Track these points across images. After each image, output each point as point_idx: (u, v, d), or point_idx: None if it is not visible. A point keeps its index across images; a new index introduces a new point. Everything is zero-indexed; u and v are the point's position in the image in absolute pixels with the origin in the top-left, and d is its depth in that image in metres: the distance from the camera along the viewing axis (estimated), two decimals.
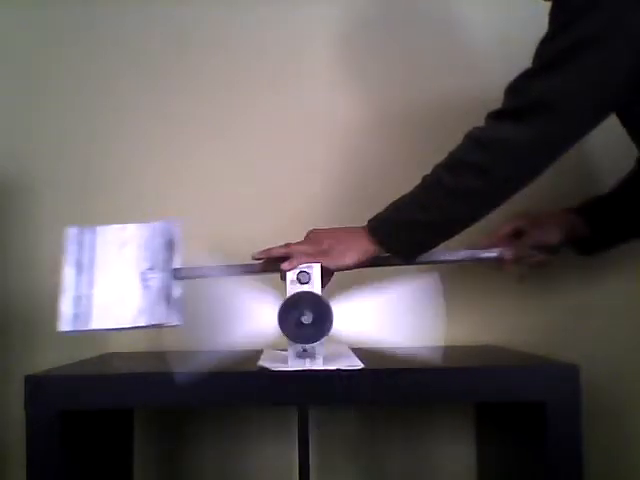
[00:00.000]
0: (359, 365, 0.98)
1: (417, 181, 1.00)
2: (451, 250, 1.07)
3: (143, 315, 1.00)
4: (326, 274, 1.01)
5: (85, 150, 1.45)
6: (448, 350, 1.31)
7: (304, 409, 1.32)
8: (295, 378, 0.95)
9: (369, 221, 1.02)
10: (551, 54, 0.90)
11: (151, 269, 1.02)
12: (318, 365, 0.96)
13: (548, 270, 1.20)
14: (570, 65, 0.88)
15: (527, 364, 1.05)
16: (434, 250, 1.03)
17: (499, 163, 0.93)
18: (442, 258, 1.07)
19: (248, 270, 1.06)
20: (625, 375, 1.38)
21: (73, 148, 1.45)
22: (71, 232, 1.05)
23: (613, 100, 0.92)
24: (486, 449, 1.36)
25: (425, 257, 1.04)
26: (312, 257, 0.99)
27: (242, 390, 0.97)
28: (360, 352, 1.11)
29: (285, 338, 0.96)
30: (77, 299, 1.01)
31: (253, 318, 0.96)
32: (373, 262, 1.03)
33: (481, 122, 0.97)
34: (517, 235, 1.14)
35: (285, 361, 0.98)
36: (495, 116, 0.95)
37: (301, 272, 0.98)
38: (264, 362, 1.02)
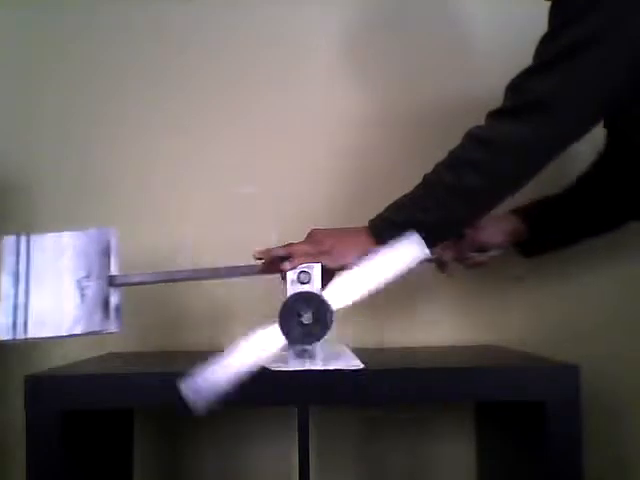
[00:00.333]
0: (359, 365, 0.98)
1: (418, 180, 1.00)
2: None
3: (79, 323, 0.99)
4: (327, 274, 1.01)
5: (85, 150, 1.45)
6: (448, 350, 1.32)
7: (304, 409, 1.32)
8: (295, 378, 0.95)
9: (370, 221, 1.02)
10: (550, 53, 0.90)
11: (87, 277, 1.02)
12: (318, 365, 0.96)
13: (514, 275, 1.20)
14: (569, 64, 0.88)
15: (527, 364, 1.05)
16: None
17: (499, 161, 0.93)
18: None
19: (249, 271, 1.06)
20: (625, 375, 1.38)
21: (73, 148, 1.45)
22: (7, 241, 1.04)
23: (612, 100, 0.92)
24: (486, 449, 1.36)
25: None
26: (313, 257, 0.99)
27: (242, 390, 0.97)
28: (361, 352, 1.11)
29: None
30: (14, 308, 1.00)
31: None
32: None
33: (481, 121, 0.97)
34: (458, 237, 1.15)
35: (285, 361, 0.98)
36: (495, 115, 0.95)
37: (301, 272, 0.98)
38: (264, 361, 1.02)
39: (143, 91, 1.45)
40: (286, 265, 0.98)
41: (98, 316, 1.00)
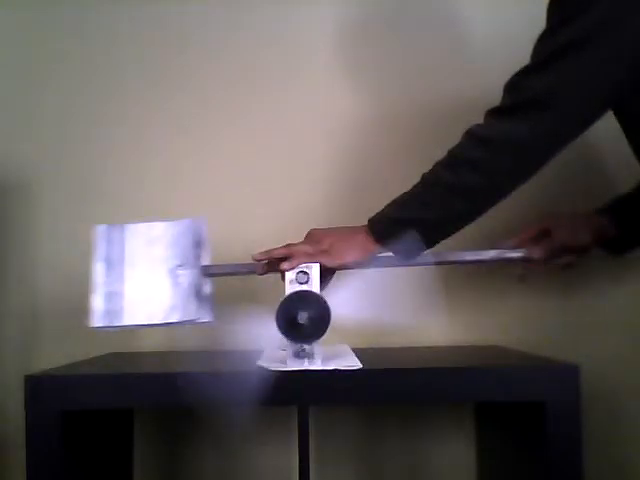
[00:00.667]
0: (358, 365, 0.98)
1: (417, 180, 1.00)
2: (478, 250, 1.06)
3: (175, 312, 1.01)
4: (327, 273, 1.01)
5: (85, 150, 1.45)
6: (448, 350, 1.32)
7: (304, 409, 1.32)
8: (295, 378, 0.95)
9: (369, 220, 1.02)
10: (548, 51, 0.90)
11: (180, 266, 1.03)
12: (317, 365, 0.96)
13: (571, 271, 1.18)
14: (567, 62, 0.88)
15: (527, 364, 1.05)
16: (462, 250, 1.05)
17: (498, 159, 0.93)
18: (468, 258, 1.07)
19: (249, 271, 1.06)
20: (625, 375, 1.38)
21: (73, 148, 1.45)
22: (100, 229, 1.06)
23: (610, 98, 0.92)
24: (486, 449, 1.36)
25: (450, 257, 1.05)
26: (312, 257, 0.99)
27: (242, 390, 0.97)
28: (360, 352, 1.11)
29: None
30: (108, 295, 1.01)
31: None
32: (374, 261, 1.03)
33: (481, 120, 0.97)
34: (544, 236, 1.13)
35: (284, 361, 0.98)
36: (493, 113, 0.95)
37: (300, 272, 0.98)
38: (264, 362, 1.02)
39: (143, 91, 1.45)
40: (284, 265, 0.98)
41: (193, 305, 1.01)
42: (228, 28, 1.45)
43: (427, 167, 1.00)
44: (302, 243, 1.03)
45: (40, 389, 0.96)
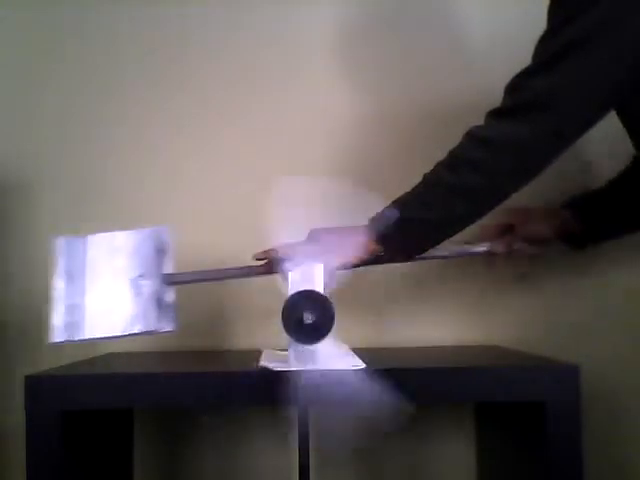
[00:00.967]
0: (360, 365, 0.98)
1: (417, 180, 1.00)
2: (441, 246, 1.07)
3: (136, 322, 1.00)
4: (328, 273, 1.01)
5: (85, 151, 1.45)
6: (448, 350, 1.32)
7: (304, 409, 1.32)
8: (294, 378, 0.95)
9: (370, 219, 1.02)
10: (549, 52, 0.90)
11: (142, 276, 1.02)
12: (319, 365, 0.96)
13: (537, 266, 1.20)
14: (569, 63, 0.88)
15: (527, 364, 1.05)
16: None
17: (499, 160, 0.93)
18: (432, 254, 1.07)
19: (250, 271, 1.06)
20: (625, 375, 1.38)
21: (73, 148, 1.45)
22: (60, 242, 1.04)
23: (611, 98, 0.92)
24: (486, 449, 1.36)
25: (386, 259, 1.05)
26: (314, 256, 0.99)
27: (242, 390, 0.97)
28: (361, 352, 1.11)
29: (285, 338, 0.96)
30: (69, 308, 1.00)
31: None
32: (375, 260, 1.03)
33: (481, 121, 0.97)
34: (507, 230, 1.15)
35: (286, 361, 0.98)
36: (494, 114, 0.95)
37: (303, 272, 0.98)
38: (264, 362, 1.02)
39: (143, 91, 1.45)
40: (287, 265, 0.98)
41: (154, 315, 1.00)
42: (228, 28, 1.45)
43: (427, 167, 1.00)
44: (303, 243, 1.03)
45: (40, 389, 0.96)
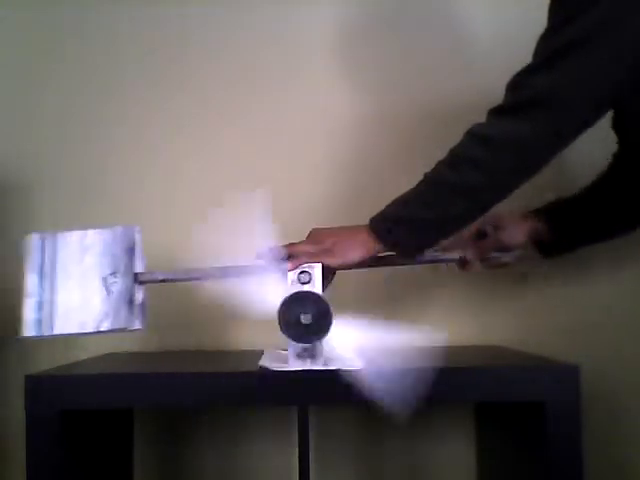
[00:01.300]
0: (360, 365, 0.98)
1: (417, 180, 1.00)
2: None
3: (106, 320, 1.00)
4: (328, 273, 1.01)
5: (85, 150, 1.45)
6: (448, 350, 1.32)
7: (304, 409, 1.32)
8: (295, 378, 0.95)
9: (371, 219, 1.02)
10: (550, 50, 0.90)
11: (113, 274, 1.02)
12: (318, 365, 0.96)
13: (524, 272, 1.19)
14: (569, 61, 0.88)
15: (527, 364, 1.05)
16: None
17: (500, 158, 0.93)
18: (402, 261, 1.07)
19: (250, 271, 1.06)
20: (625, 375, 1.38)
21: (73, 148, 1.45)
22: (32, 239, 1.05)
23: (611, 97, 0.92)
24: (486, 449, 1.36)
25: (388, 260, 1.05)
26: (314, 256, 0.99)
27: (242, 390, 0.97)
28: (360, 352, 1.10)
29: (286, 338, 0.96)
30: (40, 305, 1.01)
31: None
32: (376, 260, 1.03)
33: (481, 120, 0.97)
34: (480, 236, 1.15)
35: (286, 361, 0.98)
36: (496, 112, 0.95)
37: (302, 272, 0.98)
38: (264, 362, 1.02)
39: (143, 91, 1.45)
40: (287, 265, 0.98)
41: (124, 313, 1.00)
42: (228, 28, 1.45)
43: (427, 166, 1.00)
44: (303, 243, 1.03)
45: (40, 389, 0.96)
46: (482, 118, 0.97)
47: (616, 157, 1.18)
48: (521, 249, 1.16)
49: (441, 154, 0.99)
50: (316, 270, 0.98)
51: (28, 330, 1.00)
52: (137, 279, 1.02)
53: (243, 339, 1.40)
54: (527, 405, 1.00)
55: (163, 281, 1.05)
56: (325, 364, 0.96)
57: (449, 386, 0.96)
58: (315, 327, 0.94)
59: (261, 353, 1.14)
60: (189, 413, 1.43)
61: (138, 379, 0.98)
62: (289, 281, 0.98)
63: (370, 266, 1.04)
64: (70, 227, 1.42)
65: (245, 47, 1.45)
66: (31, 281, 1.03)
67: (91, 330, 1.00)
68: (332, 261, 1.00)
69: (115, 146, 1.45)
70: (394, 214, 1.00)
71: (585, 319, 1.39)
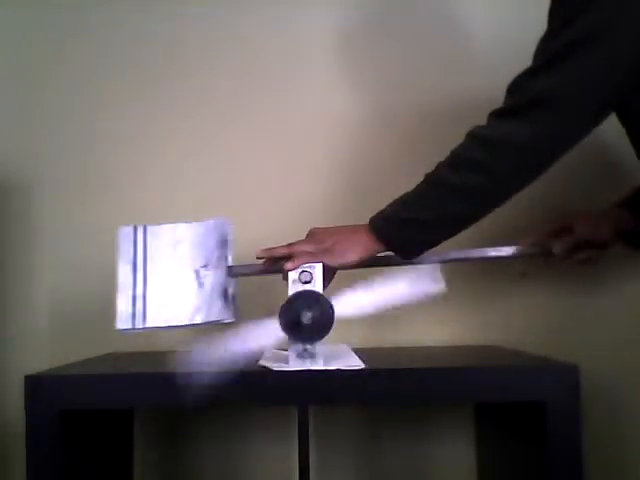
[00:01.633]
0: (359, 365, 0.98)
1: (417, 180, 1.00)
2: (496, 247, 1.07)
3: (199, 313, 1.01)
4: (328, 273, 1.01)
5: (85, 150, 1.45)
6: (448, 350, 1.32)
7: (304, 409, 1.32)
8: (295, 378, 0.95)
9: (371, 219, 1.02)
10: (551, 52, 0.90)
11: (205, 267, 1.03)
12: (319, 365, 0.96)
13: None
14: (570, 63, 0.88)
15: (527, 364, 1.05)
16: (481, 247, 1.05)
17: (501, 161, 0.93)
18: (487, 255, 1.07)
19: (251, 271, 1.06)
20: (625, 375, 1.38)
21: (73, 148, 1.45)
22: (124, 231, 1.05)
23: (613, 98, 0.92)
24: (486, 449, 1.36)
25: (465, 254, 1.06)
26: (314, 256, 0.99)
27: (242, 390, 0.97)
28: (361, 352, 1.11)
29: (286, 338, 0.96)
30: (133, 297, 1.01)
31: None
32: (376, 260, 1.03)
33: (481, 122, 0.97)
34: (565, 231, 1.13)
35: (286, 361, 0.98)
36: (497, 114, 0.95)
37: (303, 272, 0.98)
38: (265, 362, 1.02)
39: (143, 91, 1.45)
40: (288, 265, 0.98)
41: (217, 306, 1.01)
42: (228, 28, 1.45)
43: (427, 166, 1.00)
44: (303, 242, 1.03)
45: (40, 389, 0.96)
46: (482, 118, 0.97)
47: None
48: (609, 245, 1.14)
49: (441, 154, 0.99)
50: (317, 270, 0.98)
51: (122, 323, 1.01)
52: (229, 272, 1.02)
53: (245, 339, 1.39)
54: (527, 405, 1.00)
55: (255, 274, 1.05)
56: (325, 364, 0.96)
57: (449, 386, 0.96)
58: (316, 327, 0.94)
59: (262, 353, 1.14)
60: (189, 413, 1.43)
61: (138, 379, 0.98)
62: (290, 281, 0.98)
63: (369, 266, 1.04)
64: (70, 227, 1.43)
65: (245, 47, 1.45)
66: (124, 273, 1.02)
67: (184, 323, 1.01)
68: (332, 261, 1.00)
69: (115, 146, 1.45)
70: (394, 214, 1.00)
71: (585, 319, 1.39)
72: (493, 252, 1.07)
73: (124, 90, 1.45)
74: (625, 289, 1.38)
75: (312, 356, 0.96)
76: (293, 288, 0.97)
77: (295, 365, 0.96)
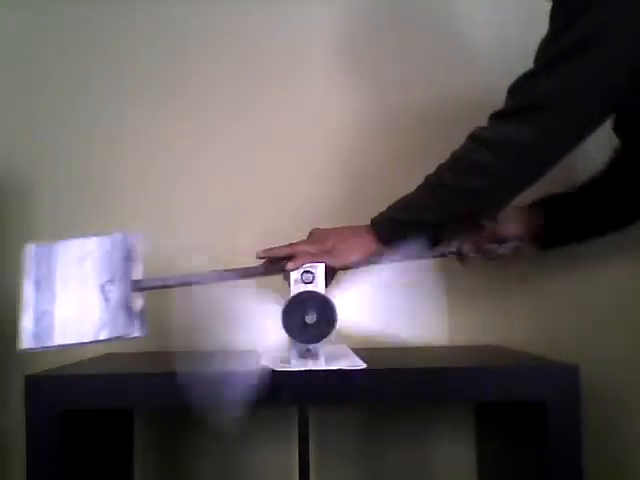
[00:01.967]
0: (361, 365, 0.98)
1: (417, 181, 1.00)
2: None
3: (104, 328, 0.99)
4: (330, 273, 1.01)
5: (85, 150, 1.45)
6: (448, 350, 1.32)
7: (304, 409, 1.32)
8: (296, 378, 0.95)
9: (372, 219, 1.02)
10: (552, 54, 0.90)
11: (110, 282, 1.02)
12: (320, 365, 0.96)
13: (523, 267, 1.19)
14: (571, 64, 0.88)
15: (527, 364, 1.05)
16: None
17: (502, 163, 0.93)
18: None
19: (251, 271, 1.06)
20: (625, 375, 1.38)
21: (73, 148, 1.45)
22: (29, 249, 1.04)
23: (614, 100, 0.92)
24: (486, 449, 1.36)
25: (387, 258, 1.04)
26: (316, 256, 0.99)
27: (242, 390, 0.97)
28: (361, 352, 1.11)
29: (287, 338, 0.96)
30: (38, 315, 1.00)
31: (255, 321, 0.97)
32: (376, 260, 1.03)
33: (481, 122, 0.97)
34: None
35: (287, 361, 0.98)
36: (498, 116, 0.95)
37: (305, 272, 0.98)
38: (266, 362, 1.02)
39: (143, 91, 1.45)
40: (289, 265, 0.98)
41: (122, 321, 0.99)
42: (228, 28, 1.45)
43: (427, 166, 1.00)
44: (304, 243, 1.03)
45: (40, 389, 0.96)
46: (482, 118, 0.97)
47: (616, 155, 1.19)
48: (517, 241, 1.16)
49: (441, 154, 0.99)
50: (319, 270, 0.98)
51: (26, 342, 0.99)
52: (135, 286, 1.02)
53: (243, 339, 1.39)
54: (527, 405, 1.00)
55: (162, 287, 1.04)
56: (327, 364, 0.96)
57: (449, 386, 0.96)
58: (319, 327, 0.94)
59: (263, 353, 1.14)
60: (189, 413, 1.43)
61: (138, 379, 0.98)
62: (292, 281, 0.98)
63: (371, 265, 1.04)
64: (70, 227, 1.43)
65: (245, 47, 1.45)
66: (28, 292, 1.01)
67: (90, 340, 0.99)
68: (333, 261, 1.00)
69: (115, 146, 1.45)
70: (395, 216, 1.00)
71: (585, 319, 1.39)
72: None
73: (124, 90, 1.45)
74: (625, 289, 1.38)
75: (314, 356, 0.96)
76: (295, 288, 0.97)
77: (297, 365, 0.96)
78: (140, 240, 1.04)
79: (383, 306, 1.39)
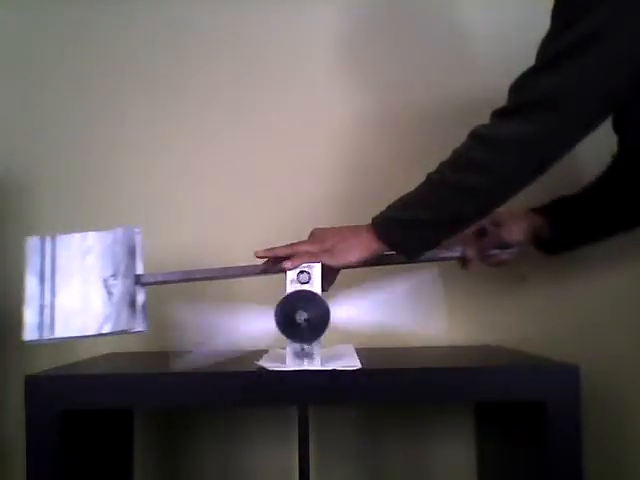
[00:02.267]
0: (357, 365, 0.98)
1: (418, 180, 1.00)
2: None
3: (107, 322, 1.00)
4: (331, 272, 1.01)
5: (85, 150, 1.45)
6: (448, 350, 1.32)
7: (304, 409, 1.32)
8: (295, 378, 0.95)
9: (373, 219, 1.02)
10: (554, 52, 0.90)
11: (113, 276, 1.02)
12: (316, 365, 0.96)
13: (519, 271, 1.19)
14: (573, 63, 0.88)
15: (527, 364, 1.05)
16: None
17: (503, 160, 0.93)
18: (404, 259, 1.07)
19: (251, 271, 1.06)
20: (625, 375, 1.38)
21: (73, 149, 1.45)
22: (32, 242, 1.05)
23: (616, 98, 0.92)
24: (486, 449, 1.36)
25: (388, 258, 1.05)
26: (316, 256, 0.99)
27: (242, 390, 0.97)
28: (359, 352, 1.11)
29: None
30: (41, 308, 1.01)
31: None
32: (377, 260, 1.03)
33: (481, 121, 0.97)
34: (480, 234, 1.14)
35: (283, 361, 0.98)
36: (499, 114, 0.95)
37: (301, 272, 0.98)
38: (262, 362, 1.02)
39: (143, 91, 1.45)
40: (287, 264, 0.98)
41: (125, 315, 1.00)
42: (228, 28, 1.45)
43: (427, 166, 1.00)
44: (305, 242, 1.03)
45: (40, 389, 0.96)
46: (482, 117, 0.97)
47: (616, 158, 1.19)
48: (520, 246, 1.16)
49: (441, 154, 0.99)
50: (315, 270, 0.98)
51: (29, 334, 1.00)
52: (138, 281, 1.02)
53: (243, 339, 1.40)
54: (527, 405, 1.00)
55: (164, 282, 1.05)
56: (323, 364, 0.96)
57: (449, 386, 0.96)
58: (313, 327, 0.94)
59: (264, 353, 1.14)
60: (189, 413, 1.43)
61: (138, 379, 0.98)
62: (288, 280, 0.98)
63: (371, 265, 1.04)
64: (70, 227, 1.43)
65: (245, 47, 1.45)
66: (31, 284, 1.02)
67: (93, 333, 1.00)
68: (333, 261, 1.00)
69: (115, 146, 1.45)
70: (396, 215, 1.00)
71: (585, 319, 1.39)
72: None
73: (124, 90, 1.45)
74: (625, 289, 1.38)
75: (309, 356, 0.96)
76: (291, 288, 0.97)
77: (292, 365, 0.96)
78: (141, 233, 1.04)
79: (383, 306, 1.39)
